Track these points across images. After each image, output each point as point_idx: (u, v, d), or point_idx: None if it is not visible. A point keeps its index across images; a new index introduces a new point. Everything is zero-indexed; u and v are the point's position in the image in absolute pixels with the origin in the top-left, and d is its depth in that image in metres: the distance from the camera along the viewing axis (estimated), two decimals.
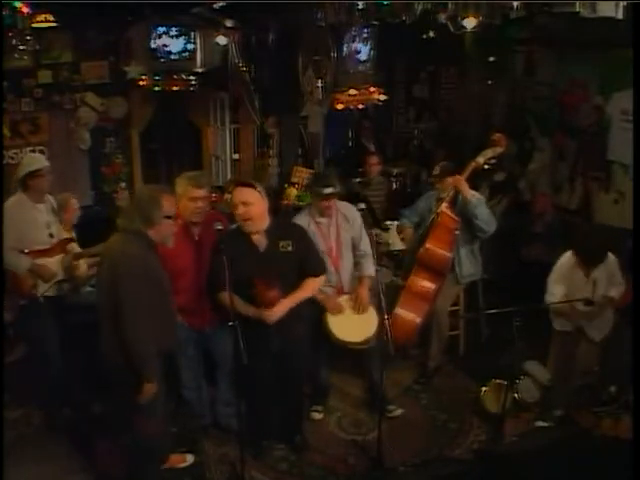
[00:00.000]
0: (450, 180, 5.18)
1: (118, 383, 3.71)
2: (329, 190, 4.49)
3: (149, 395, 3.59)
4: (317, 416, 4.85)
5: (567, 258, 4.71)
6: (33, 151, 6.87)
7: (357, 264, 4.69)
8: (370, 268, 4.66)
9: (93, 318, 3.91)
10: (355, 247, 4.67)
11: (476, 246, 5.39)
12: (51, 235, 4.59)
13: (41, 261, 4.51)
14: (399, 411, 4.89)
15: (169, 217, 3.62)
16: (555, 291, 4.71)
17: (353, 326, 4.48)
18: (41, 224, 4.55)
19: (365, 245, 4.70)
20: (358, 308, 4.57)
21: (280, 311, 3.98)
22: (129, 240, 3.58)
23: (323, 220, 4.59)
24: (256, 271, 3.96)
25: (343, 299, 4.61)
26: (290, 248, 4.05)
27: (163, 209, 3.57)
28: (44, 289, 4.53)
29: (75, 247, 4.89)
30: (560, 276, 4.72)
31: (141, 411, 3.69)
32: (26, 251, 4.46)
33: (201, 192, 4.19)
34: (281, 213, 6.27)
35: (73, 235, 5.08)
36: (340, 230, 4.59)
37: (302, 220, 4.58)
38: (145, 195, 3.73)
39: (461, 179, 5.09)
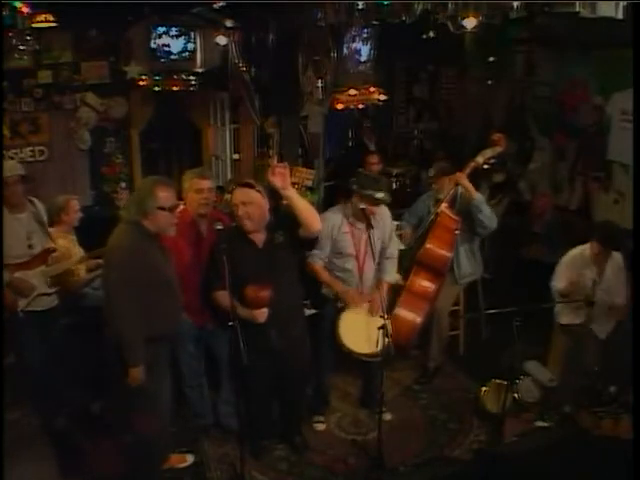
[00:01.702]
0: (447, 180, 5.19)
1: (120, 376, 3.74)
2: (381, 195, 4.40)
3: (136, 380, 3.64)
4: (320, 427, 4.80)
5: (580, 249, 4.75)
6: (33, 151, 6.89)
7: (380, 266, 4.61)
8: (392, 274, 4.67)
9: (83, 321, 3.93)
10: (383, 250, 4.58)
11: (476, 246, 5.39)
12: (31, 247, 4.38)
13: (19, 274, 4.31)
14: (389, 415, 4.86)
15: (163, 208, 3.63)
16: (562, 276, 4.73)
17: (366, 337, 4.29)
18: (20, 236, 4.35)
19: (393, 249, 4.69)
20: (372, 312, 4.43)
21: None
22: (125, 230, 3.68)
23: (358, 224, 4.49)
24: (255, 268, 3.98)
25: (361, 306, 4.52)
26: (282, 238, 4.05)
27: (157, 200, 3.61)
28: (24, 304, 4.35)
29: (80, 253, 4.83)
30: (571, 264, 4.75)
31: (141, 408, 3.70)
32: (9, 262, 4.25)
33: (206, 182, 4.27)
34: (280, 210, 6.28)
35: (73, 237, 5.02)
36: (371, 234, 4.46)
37: (335, 218, 4.51)
38: (142, 187, 3.83)
39: (462, 175, 5.09)
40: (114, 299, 3.62)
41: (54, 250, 4.55)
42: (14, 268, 4.32)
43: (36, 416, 4.73)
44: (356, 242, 4.51)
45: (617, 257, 4.73)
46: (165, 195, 3.64)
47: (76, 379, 4.76)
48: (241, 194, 4.00)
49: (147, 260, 3.65)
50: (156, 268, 3.69)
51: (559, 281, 4.77)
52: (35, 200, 4.53)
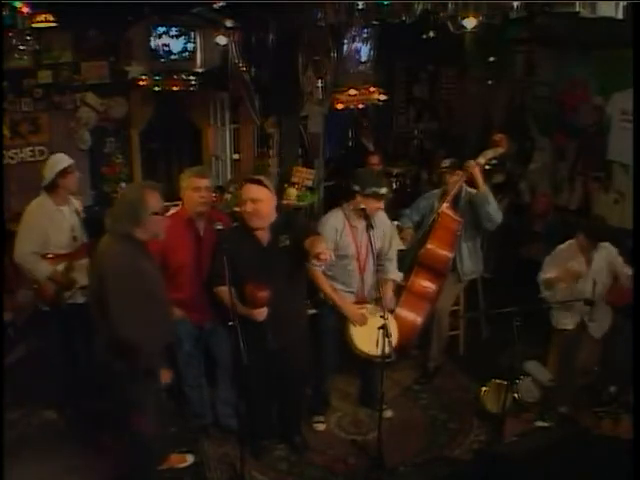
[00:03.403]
0: (460, 173, 5.16)
1: (109, 379, 3.73)
2: (385, 190, 4.42)
3: (167, 379, 3.72)
4: (320, 427, 4.80)
5: (568, 244, 4.76)
6: (33, 151, 6.88)
7: (381, 267, 4.59)
8: (395, 272, 4.67)
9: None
10: (382, 253, 4.57)
11: (477, 244, 5.40)
12: (75, 238, 4.53)
13: (62, 267, 4.45)
14: (390, 412, 4.87)
15: (156, 213, 3.59)
16: (549, 268, 4.74)
17: (375, 337, 4.24)
18: (65, 228, 4.50)
19: (393, 250, 4.70)
20: (383, 310, 4.34)
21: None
22: (115, 241, 3.58)
23: (358, 224, 4.49)
24: (258, 266, 3.98)
25: (366, 309, 4.52)
26: (287, 242, 4.04)
27: (148, 206, 3.55)
28: (67, 296, 4.46)
29: None
30: (559, 258, 4.76)
31: (135, 409, 3.69)
32: (50, 256, 4.40)
33: (204, 181, 4.26)
34: (286, 211, 6.29)
35: None
36: (371, 237, 4.44)
37: (337, 220, 4.49)
38: (128, 195, 3.73)
39: (476, 166, 5.07)
40: (116, 311, 3.47)
41: (93, 244, 4.58)
42: (59, 259, 4.44)
43: (49, 409, 4.79)
44: (357, 243, 4.51)
45: (607, 248, 4.73)
46: (155, 199, 3.60)
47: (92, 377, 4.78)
48: (250, 190, 4.01)
49: (137, 269, 3.57)
50: (145, 277, 3.62)
51: (545, 273, 4.78)
52: (69, 196, 4.63)
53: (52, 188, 4.46)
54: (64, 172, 4.46)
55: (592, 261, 4.70)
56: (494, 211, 5.10)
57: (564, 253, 4.79)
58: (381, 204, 4.46)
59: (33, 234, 4.38)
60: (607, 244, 4.73)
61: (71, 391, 4.73)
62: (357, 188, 4.42)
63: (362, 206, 4.37)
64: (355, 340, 4.45)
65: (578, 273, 4.64)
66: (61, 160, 4.52)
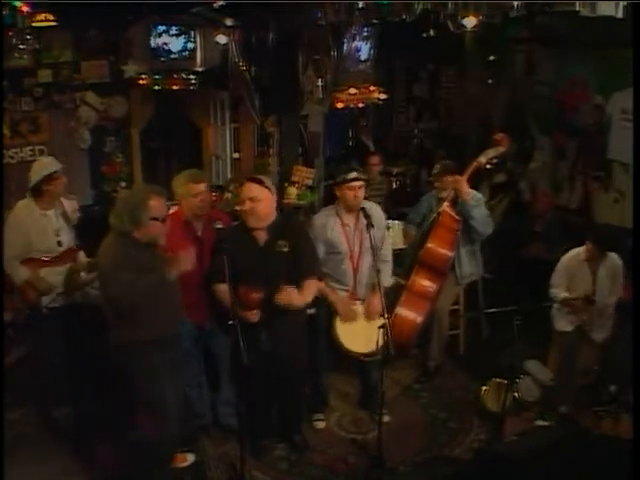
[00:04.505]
0: (450, 179, 5.17)
1: (123, 378, 3.73)
2: (353, 174, 4.38)
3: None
4: (320, 425, 4.80)
5: (575, 252, 4.75)
6: (33, 150, 6.88)
7: (377, 271, 4.50)
8: (388, 278, 4.64)
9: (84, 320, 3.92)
10: (377, 252, 4.49)
11: (477, 246, 5.38)
12: (59, 243, 4.46)
13: (45, 271, 4.40)
14: (388, 417, 4.81)
15: (156, 219, 3.60)
16: (559, 285, 4.74)
17: (363, 336, 4.31)
18: (50, 232, 4.42)
19: (387, 251, 4.68)
20: (369, 315, 4.47)
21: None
22: (115, 242, 3.61)
23: (350, 222, 4.48)
24: (255, 266, 3.98)
25: (356, 306, 4.53)
26: (285, 249, 4.04)
27: (150, 210, 3.56)
28: (48, 300, 4.43)
29: (83, 256, 4.78)
30: (566, 270, 4.75)
31: (142, 410, 3.69)
32: (37, 257, 4.35)
33: (202, 186, 4.26)
34: (285, 211, 6.30)
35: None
36: (364, 234, 4.43)
37: (327, 218, 4.49)
38: (133, 196, 3.77)
39: (461, 179, 5.07)
40: (116, 304, 3.57)
41: (81, 249, 4.57)
42: (42, 264, 4.38)
43: (41, 410, 4.76)
44: (349, 241, 4.50)
45: (612, 258, 4.71)
46: (158, 205, 3.60)
47: (80, 378, 4.78)
48: (250, 190, 4.01)
49: (138, 269, 3.57)
50: (143, 275, 3.62)
51: (558, 290, 4.79)
52: (62, 198, 4.56)
53: (37, 192, 4.37)
54: (50, 177, 4.36)
55: (598, 274, 4.69)
56: (479, 225, 5.07)
57: (572, 267, 4.76)
58: (357, 192, 4.39)
59: (14, 238, 4.30)
60: (615, 257, 4.70)
61: (69, 392, 4.72)
62: (332, 182, 4.49)
63: (363, 206, 4.38)
64: (341, 337, 4.45)
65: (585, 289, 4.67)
66: (48, 165, 4.43)
